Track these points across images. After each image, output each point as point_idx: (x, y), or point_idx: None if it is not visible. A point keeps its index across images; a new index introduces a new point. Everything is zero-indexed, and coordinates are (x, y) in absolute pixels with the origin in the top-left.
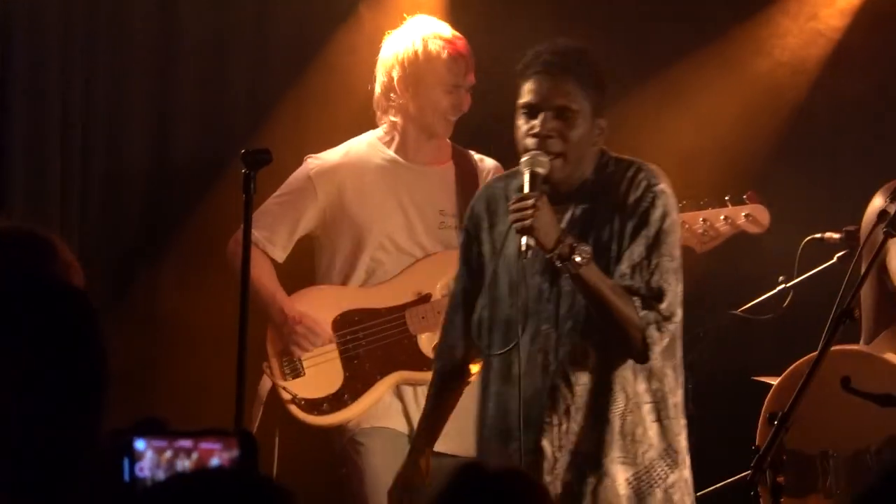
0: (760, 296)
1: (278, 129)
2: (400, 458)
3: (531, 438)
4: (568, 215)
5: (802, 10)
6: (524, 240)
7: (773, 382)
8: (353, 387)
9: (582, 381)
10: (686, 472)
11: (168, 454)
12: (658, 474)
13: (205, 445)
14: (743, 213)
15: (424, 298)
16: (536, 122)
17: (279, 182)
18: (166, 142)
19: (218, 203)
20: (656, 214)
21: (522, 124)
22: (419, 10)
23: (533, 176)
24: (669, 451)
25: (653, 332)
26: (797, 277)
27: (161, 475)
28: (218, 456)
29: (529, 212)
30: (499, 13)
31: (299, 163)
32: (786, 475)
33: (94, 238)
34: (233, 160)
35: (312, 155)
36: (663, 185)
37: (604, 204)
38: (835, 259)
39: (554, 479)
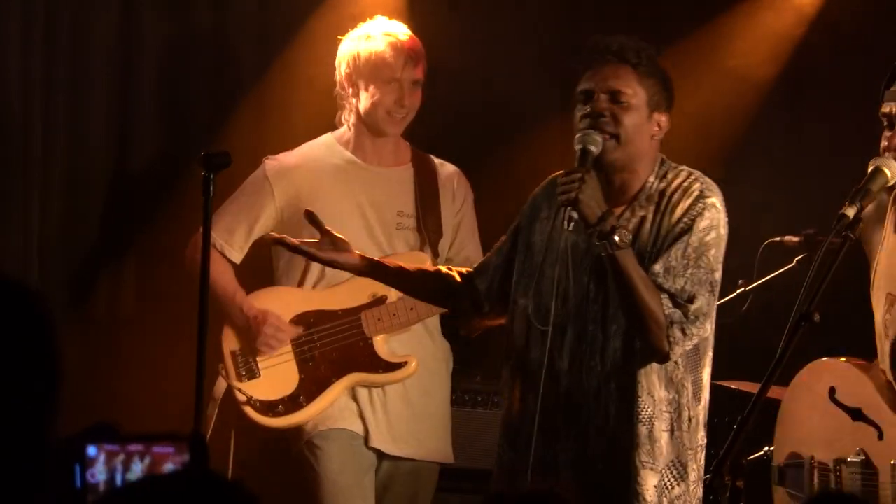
0: (719, 300)
1: (238, 132)
2: (356, 460)
3: (577, 440)
4: (624, 218)
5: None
6: (567, 212)
7: (733, 387)
8: (309, 389)
9: (621, 383)
10: (693, 487)
11: (120, 459)
12: (665, 483)
13: (157, 450)
14: None
15: (380, 300)
16: (591, 104)
17: (238, 184)
18: (126, 145)
19: (177, 206)
20: (702, 225)
21: (578, 110)
22: (380, 13)
23: (584, 152)
24: (676, 464)
25: (676, 331)
26: (756, 281)
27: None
28: (171, 460)
29: (575, 184)
30: (459, 17)
31: (258, 165)
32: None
33: (54, 241)
34: (192, 163)
35: (270, 156)
36: (715, 200)
37: (656, 209)
38: (794, 262)
39: (596, 478)
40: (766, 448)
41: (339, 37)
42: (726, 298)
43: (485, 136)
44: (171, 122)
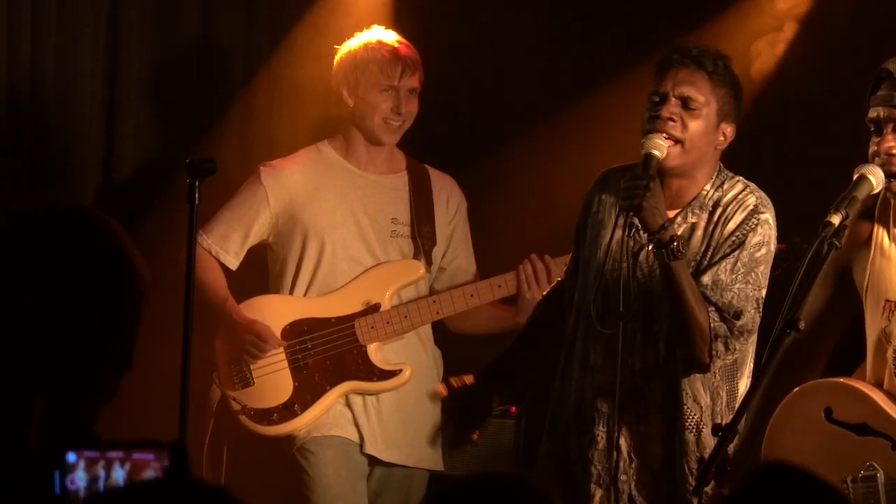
0: None
1: (225, 139)
2: (349, 466)
3: (610, 436)
4: (676, 224)
5: (749, 20)
6: (629, 218)
7: None
8: (303, 397)
9: (660, 385)
10: None
11: (101, 465)
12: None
13: (138, 456)
14: None
15: (374, 308)
16: (661, 107)
17: (226, 191)
18: (113, 152)
19: (165, 213)
20: (754, 240)
21: (648, 110)
22: (365, 22)
23: (648, 157)
24: None
25: (720, 345)
26: None
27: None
28: (152, 467)
29: (641, 191)
30: (446, 25)
31: (246, 172)
32: None
33: None
34: (179, 170)
35: (266, 163)
36: (769, 216)
37: (710, 218)
38: (779, 270)
39: (628, 478)
40: None
41: (336, 46)
42: None
43: (475, 143)
44: (158, 130)
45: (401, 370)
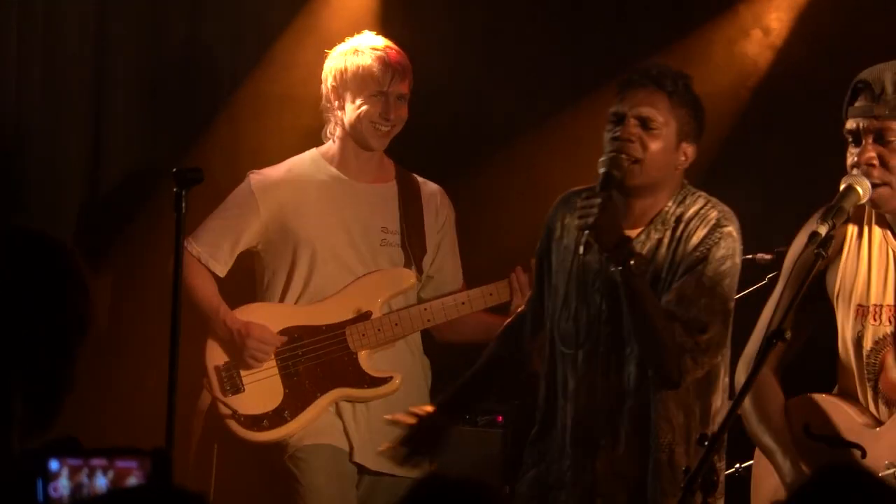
0: None
1: (212, 148)
2: (340, 474)
3: (586, 459)
4: (640, 242)
5: (732, 30)
6: (584, 236)
7: None
8: (293, 404)
9: (634, 407)
10: None
11: (84, 473)
12: None
13: (120, 464)
14: None
15: (365, 316)
16: (620, 127)
17: (214, 200)
18: (99, 161)
19: (152, 221)
20: (718, 254)
21: (608, 131)
22: (352, 28)
23: (608, 176)
24: None
25: (688, 361)
26: None
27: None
28: (135, 474)
29: (594, 210)
30: (433, 34)
31: (233, 181)
32: None
33: None
34: (165, 179)
35: (255, 170)
36: (732, 228)
37: (672, 235)
38: (766, 280)
39: (604, 500)
40: (737, 465)
41: (326, 50)
42: None
43: (461, 152)
44: (145, 138)
45: (391, 378)
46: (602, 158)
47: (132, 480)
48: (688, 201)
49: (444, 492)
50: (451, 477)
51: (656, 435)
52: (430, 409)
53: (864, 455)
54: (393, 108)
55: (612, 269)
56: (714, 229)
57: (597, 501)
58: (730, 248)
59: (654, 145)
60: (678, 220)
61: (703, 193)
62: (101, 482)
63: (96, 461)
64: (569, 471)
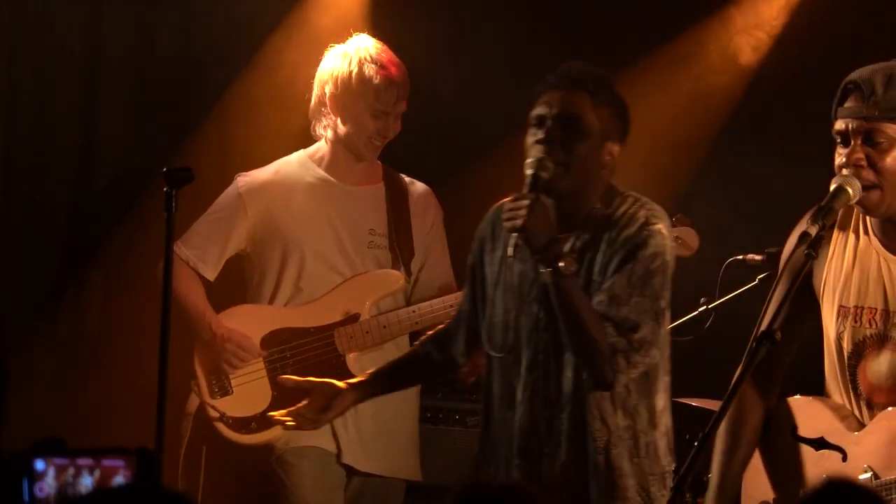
0: (681, 317)
1: (202, 148)
2: (327, 476)
3: (532, 468)
4: (569, 245)
5: (724, 30)
6: (512, 238)
7: (693, 404)
8: (281, 406)
9: (572, 410)
10: None
11: (70, 472)
12: None
13: (107, 463)
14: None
15: (353, 318)
16: (542, 130)
17: (204, 200)
18: (91, 161)
19: (143, 221)
20: (647, 252)
21: (530, 135)
22: (342, 28)
23: (535, 178)
24: (641, 492)
25: (620, 360)
26: (719, 299)
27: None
28: (122, 473)
29: (522, 212)
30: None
31: (223, 181)
32: None
33: (19, 256)
34: (157, 179)
35: (243, 173)
36: (661, 226)
37: (602, 236)
38: (756, 281)
39: None
40: None
41: (318, 51)
42: (688, 316)
43: (450, 152)
44: (136, 139)
45: None
46: (527, 161)
47: (118, 480)
48: (616, 201)
49: (487, 498)
50: (492, 484)
51: (592, 437)
52: (340, 384)
53: (844, 458)
54: (392, 126)
55: (542, 270)
56: (643, 228)
57: None
58: (659, 246)
59: (580, 147)
60: (607, 220)
61: (632, 193)
62: (87, 482)
63: (82, 461)
64: (517, 478)
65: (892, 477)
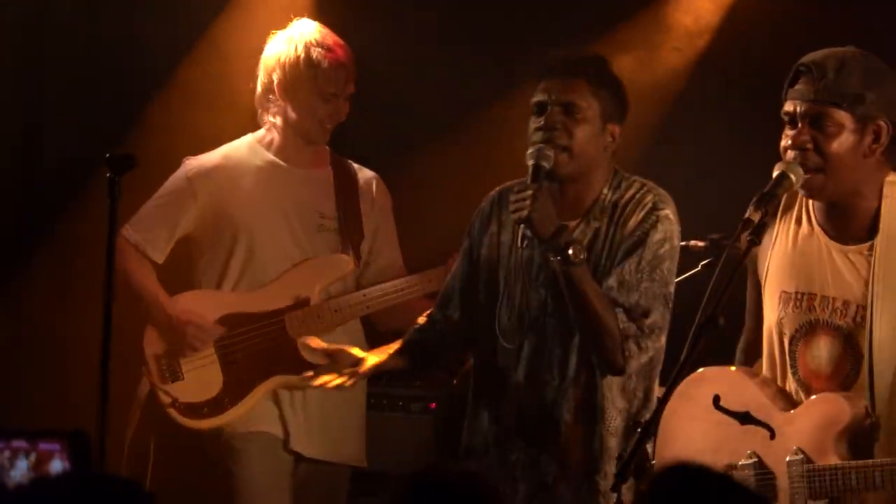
0: None
1: (147, 133)
2: (274, 462)
3: (532, 451)
4: (577, 231)
5: (672, 13)
6: (521, 229)
7: None
8: (233, 391)
9: (579, 396)
10: None
11: (5, 455)
12: None
13: (43, 446)
14: None
15: (303, 302)
16: (544, 117)
17: (149, 188)
18: (33, 147)
19: (87, 207)
20: (655, 237)
21: (531, 122)
22: (286, 12)
23: (536, 168)
24: None
25: (632, 345)
26: None
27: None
28: (58, 457)
29: (528, 202)
30: (366, 20)
31: (169, 167)
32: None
33: None
34: (100, 166)
35: (191, 157)
36: (668, 211)
37: (609, 222)
38: (699, 267)
39: (551, 492)
40: None
41: (265, 34)
42: None
43: (397, 139)
44: (80, 124)
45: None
46: (529, 150)
47: (55, 463)
48: (623, 186)
49: (442, 485)
50: (447, 471)
51: (595, 421)
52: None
53: (772, 436)
54: (342, 108)
55: (551, 258)
56: (650, 213)
57: (547, 493)
58: (668, 231)
59: (580, 130)
60: (614, 206)
61: (637, 178)
62: (23, 465)
63: (18, 443)
64: (518, 464)
65: (828, 463)
